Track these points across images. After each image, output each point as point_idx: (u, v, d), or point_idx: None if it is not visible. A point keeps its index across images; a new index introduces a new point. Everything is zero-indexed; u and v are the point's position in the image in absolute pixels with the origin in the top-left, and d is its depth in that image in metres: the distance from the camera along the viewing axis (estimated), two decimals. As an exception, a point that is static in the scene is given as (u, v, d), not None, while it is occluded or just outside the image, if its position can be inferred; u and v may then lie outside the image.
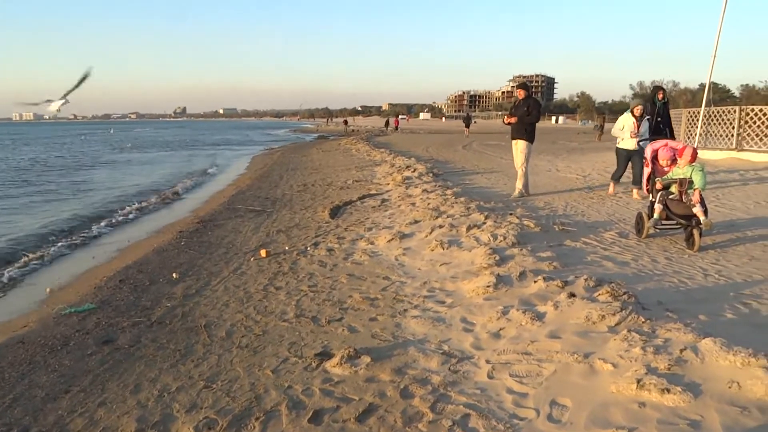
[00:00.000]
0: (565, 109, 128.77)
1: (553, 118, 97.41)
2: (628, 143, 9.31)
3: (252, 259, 6.52)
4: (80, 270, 7.29)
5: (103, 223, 10.67)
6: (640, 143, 9.09)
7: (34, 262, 7.80)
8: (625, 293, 4.12)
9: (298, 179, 14.88)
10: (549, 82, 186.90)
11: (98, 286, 5.90)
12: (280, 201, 11.01)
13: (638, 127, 9.20)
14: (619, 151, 9.59)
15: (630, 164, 9.54)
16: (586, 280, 4.49)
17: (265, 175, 17.06)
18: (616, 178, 9.88)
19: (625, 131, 9.30)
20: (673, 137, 10.11)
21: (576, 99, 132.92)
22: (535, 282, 4.66)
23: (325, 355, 3.74)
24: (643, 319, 3.67)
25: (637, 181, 9.41)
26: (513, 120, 9.46)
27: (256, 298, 5.11)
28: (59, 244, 8.94)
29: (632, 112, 9.26)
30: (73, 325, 4.72)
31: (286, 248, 6.91)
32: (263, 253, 6.65)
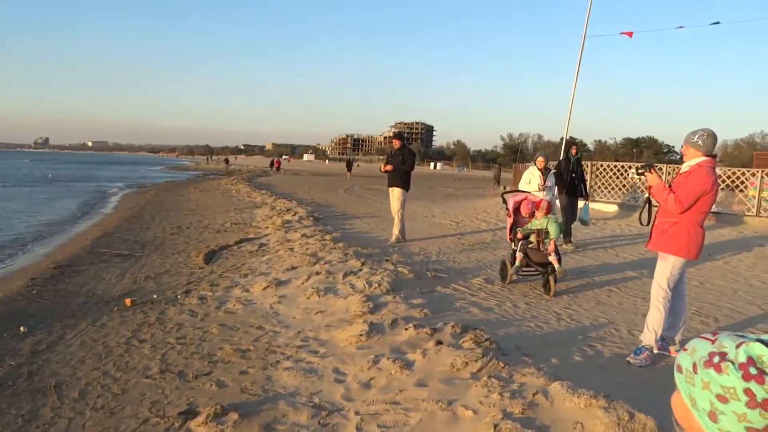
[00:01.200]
0: (443, 155, 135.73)
1: (432, 164, 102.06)
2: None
3: (115, 309, 6.10)
4: None
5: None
6: (548, 197, 8.59)
7: None
8: (487, 339, 4.37)
9: (172, 221, 14.24)
10: (428, 130, 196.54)
11: (-73, 343, 5.20)
12: (151, 244, 10.46)
13: (545, 179, 8.94)
14: None
15: None
16: (453, 327, 4.71)
17: (136, 215, 16.14)
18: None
19: (531, 185, 8.88)
20: (586, 193, 10.49)
21: (453, 147, 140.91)
22: (406, 329, 4.81)
23: (190, 413, 3.57)
24: (502, 365, 3.91)
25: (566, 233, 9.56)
26: (389, 168, 9.86)
27: (116, 352, 4.78)
28: None
29: (536, 164, 9.10)
30: None
31: (155, 297, 6.55)
32: (128, 302, 6.25)
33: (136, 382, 4.14)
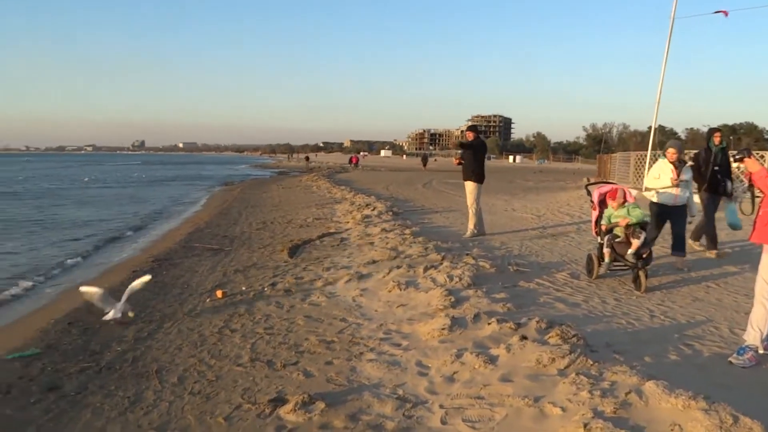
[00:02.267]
0: (522, 148, 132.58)
1: (511, 158, 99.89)
2: (667, 197, 7.26)
3: (208, 300, 6.42)
4: (26, 311, 7.05)
5: (56, 261, 10.35)
6: (682, 196, 7.27)
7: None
8: (574, 335, 4.24)
9: (257, 217, 14.79)
10: (506, 123, 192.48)
11: (44, 329, 5.70)
12: (239, 239, 10.91)
13: (678, 173, 7.21)
14: (653, 208, 7.45)
15: (669, 224, 7.42)
16: (538, 322, 4.61)
17: (224, 212, 16.90)
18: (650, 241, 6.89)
19: (662, 180, 7.27)
20: (732, 191, 8.32)
21: (532, 139, 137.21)
22: (488, 324, 4.75)
23: (279, 401, 3.70)
24: (591, 362, 3.78)
25: (698, 236, 8.40)
26: (459, 160, 9.87)
27: (210, 341, 5.04)
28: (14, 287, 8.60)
29: (666, 156, 7.35)
30: (16, 371, 4.54)
31: (243, 289, 6.84)
32: (219, 293, 6.57)
33: (229, 370, 4.34)
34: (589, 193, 7.37)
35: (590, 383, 3.42)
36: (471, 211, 9.92)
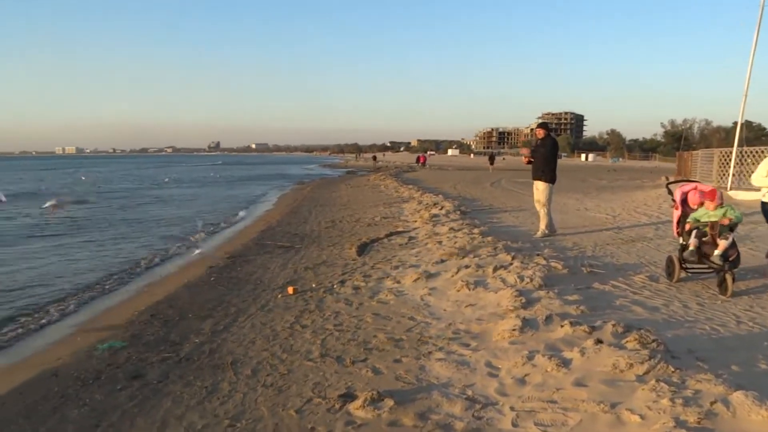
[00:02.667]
0: (595, 146, 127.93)
1: (583, 156, 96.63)
2: None
3: (279, 296, 6.60)
4: (113, 303, 7.49)
5: (142, 259, 10.94)
6: None
7: (76, 295, 8.02)
8: (654, 341, 4.04)
9: (326, 215, 15.05)
10: (578, 120, 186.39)
11: (130, 320, 6.04)
12: (309, 237, 11.14)
13: None
14: (766, 207, 6.81)
15: None
16: (614, 325, 4.43)
17: (294, 210, 17.30)
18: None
19: None
20: None
21: (606, 136, 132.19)
22: (561, 326, 4.61)
23: (348, 396, 3.75)
24: (672, 369, 3.59)
25: None
26: (528, 159, 9.66)
27: (282, 336, 5.17)
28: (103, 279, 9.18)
29: None
30: (104, 359, 4.83)
31: (313, 285, 6.98)
32: (290, 290, 6.73)
33: (300, 364, 4.44)
34: (670, 192, 7.01)
35: (671, 391, 3.25)
36: (542, 212, 9.69)
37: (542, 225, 9.72)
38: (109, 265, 10.21)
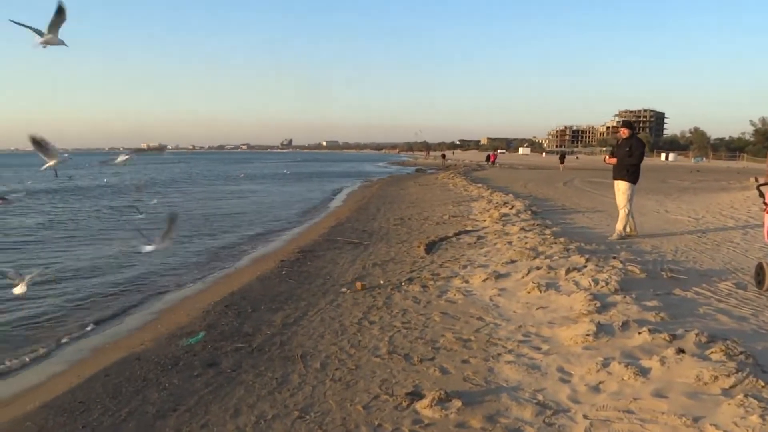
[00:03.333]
0: (676, 145, 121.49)
1: (663, 155, 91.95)
2: None
3: (348, 291, 6.67)
4: (191, 293, 7.84)
5: (217, 251, 11.41)
6: None
7: (157, 284, 8.48)
8: (741, 352, 3.79)
9: (395, 212, 15.11)
10: (658, 118, 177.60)
11: (206, 310, 6.29)
12: (377, 234, 11.22)
13: None
14: None
15: None
16: (697, 335, 4.19)
17: (363, 207, 17.47)
18: None
19: None
20: None
21: (689, 135, 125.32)
22: (639, 333, 4.41)
23: (416, 395, 3.74)
24: (762, 384, 3.35)
25: None
26: (613, 161, 9.28)
27: (350, 331, 5.22)
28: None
29: None
30: (182, 346, 5.05)
31: (381, 282, 7.01)
32: (359, 286, 6.79)
33: (368, 360, 4.47)
34: (761, 194, 6.56)
35: (762, 407, 3.03)
36: (622, 212, 9.33)
37: (619, 226, 9.35)
38: (188, 256, 10.69)
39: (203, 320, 5.87)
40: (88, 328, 6.51)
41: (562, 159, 46.89)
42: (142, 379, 4.37)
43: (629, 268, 6.66)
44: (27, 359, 5.61)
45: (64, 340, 6.14)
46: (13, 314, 7.11)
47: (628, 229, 9.38)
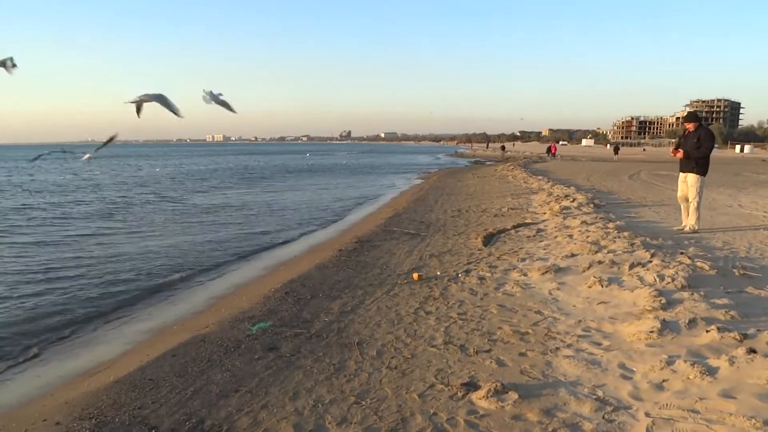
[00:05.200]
0: (753, 137, 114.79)
1: (738, 147, 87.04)
2: None
3: (404, 281, 6.70)
4: (252, 278, 8.09)
5: (278, 239, 11.75)
6: None
7: (219, 269, 8.83)
8: (820, 355, 3.58)
9: (452, 204, 15.01)
10: (733, 107, 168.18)
11: (267, 296, 6.47)
12: (434, 225, 11.19)
13: None
14: None
15: None
16: (771, 335, 3.99)
17: (421, 198, 17.45)
18: None
19: None
20: None
21: (767, 126, 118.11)
22: (707, 332, 4.24)
23: (471, 386, 3.73)
24: (843, 389, 3.16)
25: None
26: (680, 153, 8.89)
27: (406, 320, 5.25)
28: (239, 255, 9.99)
29: None
30: (244, 330, 5.23)
31: (438, 273, 7.00)
32: (415, 276, 6.81)
33: (423, 350, 4.49)
34: None
35: (842, 413, 2.86)
36: (692, 206, 8.96)
37: (691, 221, 9.00)
38: (254, 241, 11.03)
39: (264, 306, 6.04)
40: (157, 309, 6.85)
41: (616, 151, 52.26)
42: (206, 360, 4.55)
43: (698, 264, 6.38)
44: (101, 336, 5.97)
45: (133, 319, 6.49)
46: (87, 291, 7.56)
47: (692, 222, 9.01)
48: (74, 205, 19.05)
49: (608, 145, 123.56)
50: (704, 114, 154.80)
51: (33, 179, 32.99)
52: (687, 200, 9.09)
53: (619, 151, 53.28)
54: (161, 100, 3.47)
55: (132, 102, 3.45)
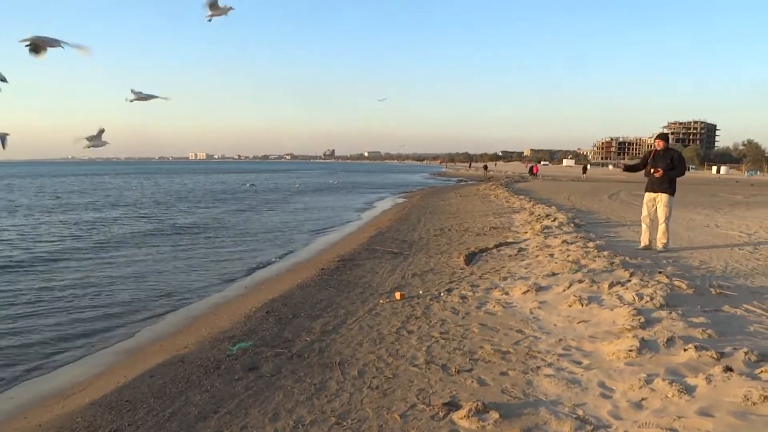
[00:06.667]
0: (729, 158, 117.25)
1: (714, 168, 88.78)
2: None
3: (386, 300, 6.70)
4: (232, 297, 8.02)
5: (257, 259, 11.65)
6: None
7: (201, 290, 8.71)
8: (794, 373, 3.64)
9: (435, 223, 15.08)
10: (709, 129, 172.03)
11: (248, 315, 6.42)
12: (417, 244, 11.22)
13: None
14: None
15: None
16: (746, 353, 4.04)
17: (404, 217, 17.50)
18: None
19: None
20: None
21: (742, 147, 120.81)
22: (685, 350, 4.28)
23: (453, 405, 3.72)
24: (816, 406, 3.21)
25: None
26: (659, 173, 9.04)
27: (388, 340, 5.24)
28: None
29: None
30: (224, 350, 5.17)
31: (420, 292, 7.01)
32: (398, 295, 6.81)
33: (405, 369, 4.48)
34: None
35: (815, 431, 2.91)
36: (665, 225, 9.15)
37: (664, 239, 9.19)
38: (236, 264, 10.94)
39: (245, 325, 5.99)
40: (135, 329, 6.75)
41: (584, 170, 59.28)
42: (185, 380, 4.49)
43: (676, 283, 6.47)
44: (77, 357, 5.86)
45: (111, 340, 6.38)
46: (65, 315, 7.43)
47: (664, 240, 9.18)
48: (49, 225, 18.79)
49: (588, 165, 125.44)
50: (681, 135, 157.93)
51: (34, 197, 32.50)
52: (651, 219, 9.30)
53: (587, 170, 61.12)
54: (148, 96, 3.54)
55: (133, 100, 3.51)
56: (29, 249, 13.06)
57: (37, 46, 3.55)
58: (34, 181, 57.83)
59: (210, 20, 3.47)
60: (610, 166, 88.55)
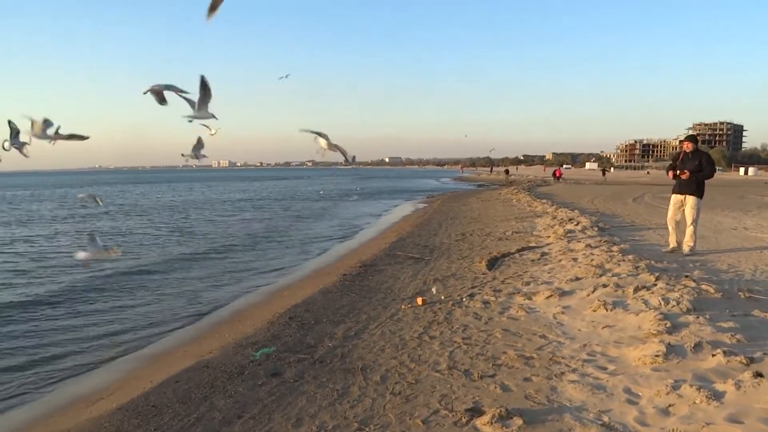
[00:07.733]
0: (756, 159, 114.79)
1: (741, 170, 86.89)
2: None
3: (408, 306, 6.69)
4: (256, 303, 8.09)
5: (282, 264, 11.75)
6: None
7: (226, 295, 8.82)
8: (828, 379, 3.55)
9: (456, 228, 15.02)
10: (736, 130, 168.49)
11: (271, 321, 6.47)
12: (438, 249, 11.19)
13: None
14: None
15: None
16: (777, 358, 3.95)
17: (425, 222, 17.47)
18: None
19: None
20: None
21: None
22: (713, 356, 4.20)
23: (476, 411, 3.71)
24: None
25: None
26: (686, 176, 8.89)
27: (410, 345, 5.24)
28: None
29: None
30: (248, 355, 5.22)
31: (442, 297, 6.99)
32: (419, 301, 6.80)
33: (427, 375, 4.47)
34: None
35: None
36: (692, 228, 9.00)
37: (691, 242, 9.02)
38: (251, 270, 11.05)
39: (268, 331, 6.04)
40: (160, 335, 6.85)
41: (603, 173, 59.18)
42: (210, 386, 4.54)
43: (703, 287, 6.35)
44: (105, 361, 5.97)
45: (138, 345, 6.48)
46: (92, 318, 7.57)
47: (692, 243, 9.04)
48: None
49: (612, 168, 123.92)
50: (707, 137, 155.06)
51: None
52: (678, 222, 9.14)
53: (607, 174, 61.46)
54: (172, 88, 3.41)
55: (147, 91, 3.39)
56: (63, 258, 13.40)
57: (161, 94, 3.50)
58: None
59: (191, 121, 3.40)
60: (648, 171, 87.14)
